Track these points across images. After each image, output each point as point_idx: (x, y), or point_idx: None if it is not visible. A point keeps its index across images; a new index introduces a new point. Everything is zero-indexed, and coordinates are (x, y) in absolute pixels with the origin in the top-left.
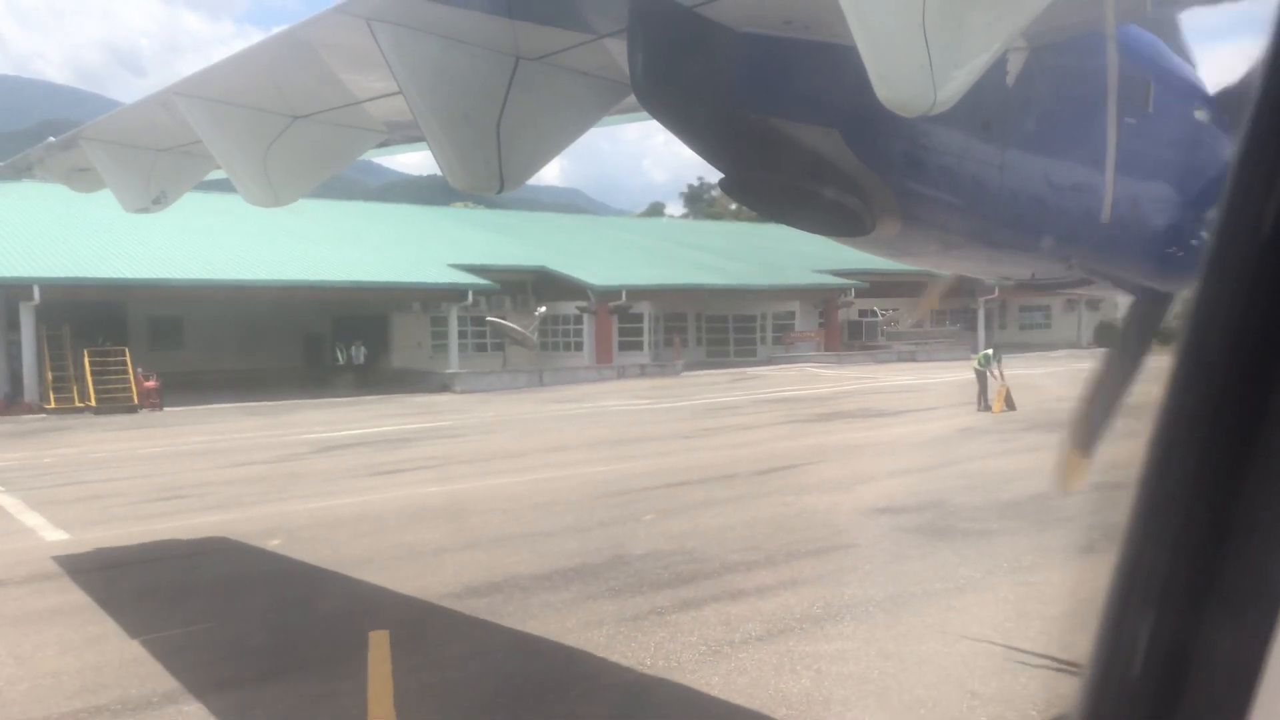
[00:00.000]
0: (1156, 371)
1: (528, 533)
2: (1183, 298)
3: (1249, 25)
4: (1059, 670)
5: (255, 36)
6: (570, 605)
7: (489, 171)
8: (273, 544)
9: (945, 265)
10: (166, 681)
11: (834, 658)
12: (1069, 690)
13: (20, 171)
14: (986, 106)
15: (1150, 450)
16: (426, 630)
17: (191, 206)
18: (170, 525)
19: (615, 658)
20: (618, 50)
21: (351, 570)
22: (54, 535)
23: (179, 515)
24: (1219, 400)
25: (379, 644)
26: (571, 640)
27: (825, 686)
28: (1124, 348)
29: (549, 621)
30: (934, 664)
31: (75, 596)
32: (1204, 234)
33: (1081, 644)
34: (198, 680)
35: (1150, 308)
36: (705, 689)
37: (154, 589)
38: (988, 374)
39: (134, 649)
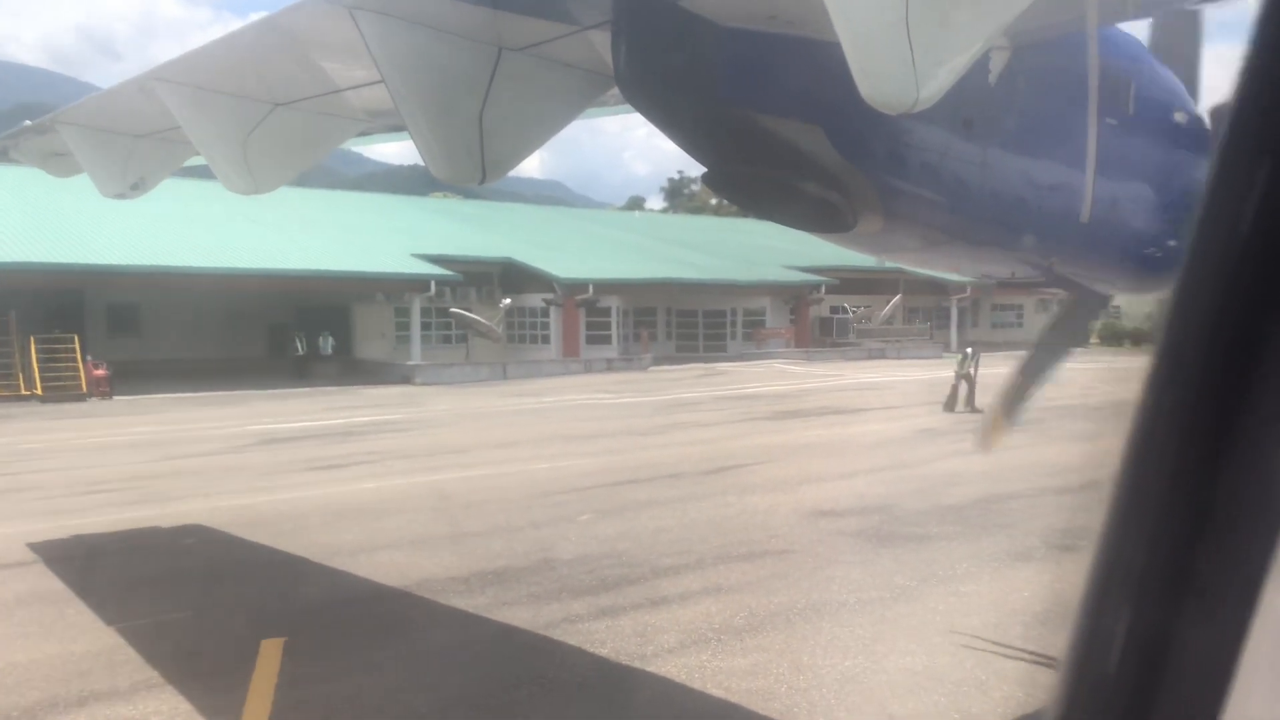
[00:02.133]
0: (1133, 371)
1: (453, 533)
2: (1161, 298)
3: (1226, 31)
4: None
5: (233, 23)
6: (481, 612)
7: (471, 162)
8: (186, 543)
9: (926, 263)
10: (21, 696)
11: (747, 672)
12: (1046, 683)
13: None
14: (969, 105)
15: (1128, 446)
16: (319, 640)
17: (152, 192)
18: (85, 521)
19: (516, 671)
20: (601, 42)
21: (260, 572)
22: None
23: (97, 511)
24: (1196, 397)
25: (269, 653)
26: (474, 651)
27: (731, 704)
28: (1055, 333)
29: (452, 630)
30: (852, 680)
31: None
32: (1182, 235)
33: (1001, 664)
34: (66, 694)
35: (1086, 303)
36: (602, 706)
37: (46, 593)
38: (968, 372)
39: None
